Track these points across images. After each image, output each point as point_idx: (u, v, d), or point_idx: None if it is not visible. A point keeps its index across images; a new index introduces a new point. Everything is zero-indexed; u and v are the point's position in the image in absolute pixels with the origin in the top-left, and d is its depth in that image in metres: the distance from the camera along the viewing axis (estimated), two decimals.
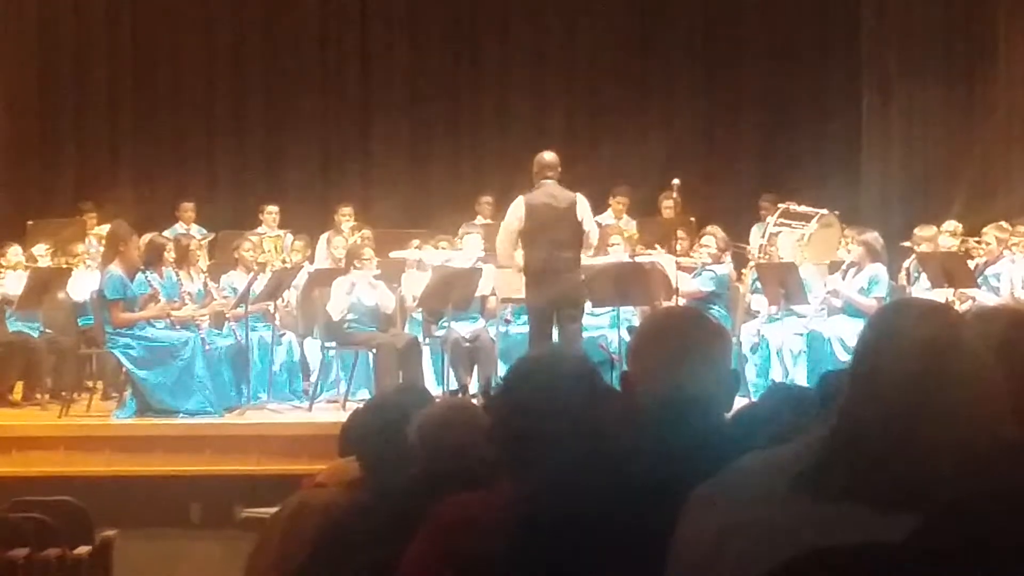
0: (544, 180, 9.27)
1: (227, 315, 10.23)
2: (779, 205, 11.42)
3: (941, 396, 1.82)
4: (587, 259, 10.05)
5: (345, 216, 12.66)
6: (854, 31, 14.37)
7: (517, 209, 9.26)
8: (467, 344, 10.18)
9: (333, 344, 10.19)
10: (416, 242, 11.51)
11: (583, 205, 9.36)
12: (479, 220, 12.36)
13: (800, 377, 9.55)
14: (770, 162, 14.72)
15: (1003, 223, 10.48)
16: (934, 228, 10.65)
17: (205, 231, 12.83)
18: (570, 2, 15.30)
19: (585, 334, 9.86)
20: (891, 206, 13.56)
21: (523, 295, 9.64)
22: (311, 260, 11.99)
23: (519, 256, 9.31)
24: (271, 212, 12.84)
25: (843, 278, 10.13)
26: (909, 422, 1.82)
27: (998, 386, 1.86)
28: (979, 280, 9.97)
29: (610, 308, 10.09)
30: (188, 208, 13.26)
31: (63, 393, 9.97)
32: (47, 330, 10.48)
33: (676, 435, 2.41)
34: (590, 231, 9.42)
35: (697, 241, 10.81)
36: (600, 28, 15.27)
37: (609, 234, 11.07)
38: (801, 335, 9.94)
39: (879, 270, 10.03)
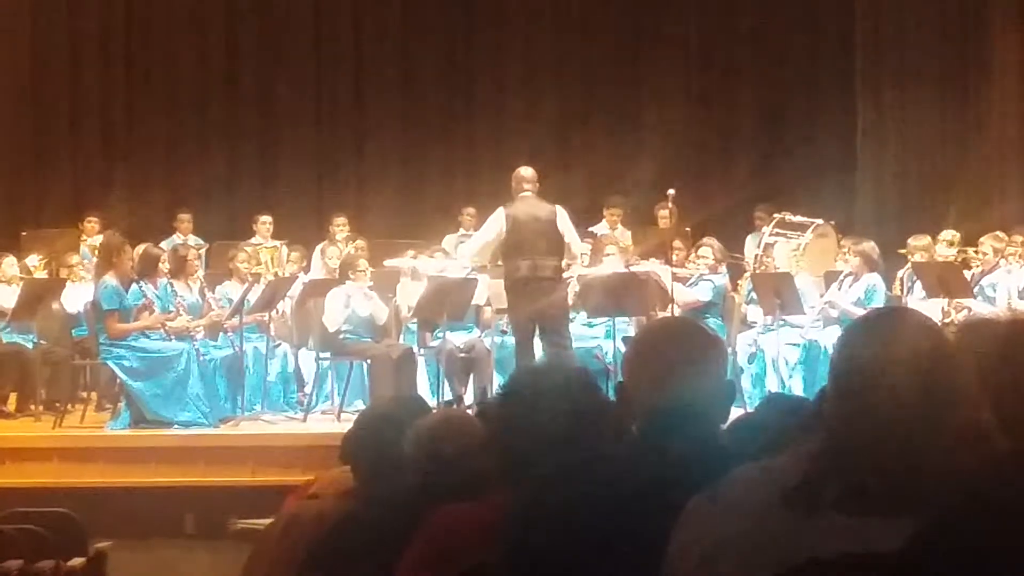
0: (523, 193, 9.38)
1: (223, 326, 10.22)
2: (774, 215, 11.42)
3: (925, 406, 1.82)
4: (582, 269, 10.07)
5: (339, 226, 12.64)
6: (848, 41, 14.38)
7: (498, 220, 9.32)
8: (462, 354, 10.17)
9: (328, 355, 10.17)
10: (411, 252, 11.50)
11: (563, 217, 9.42)
12: (461, 232, 12.39)
13: (796, 387, 9.54)
14: (765, 172, 14.71)
15: (999, 233, 10.49)
16: (928, 238, 10.64)
17: (202, 241, 12.81)
18: (563, 13, 15.31)
19: (581, 344, 9.85)
20: (886, 216, 13.56)
21: None
22: (306, 270, 11.97)
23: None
24: (265, 222, 12.81)
25: (839, 288, 10.13)
26: (894, 432, 1.82)
27: (984, 395, 1.86)
28: (975, 290, 9.97)
29: (605, 318, 10.07)
30: (185, 219, 13.21)
31: (57, 404, 9.95)
32: (41, 341, 10.46)
33: (671, 446, 2.40)
34: (571, 243, 9.47)
35: (693, 251, 10.81)
36: (594, 39, 15.27)
37: (604, 244, 11.07)
38: (797, 345, 9.94)
39: (876, 280, 10.03)
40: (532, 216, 9.27)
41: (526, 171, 9.52)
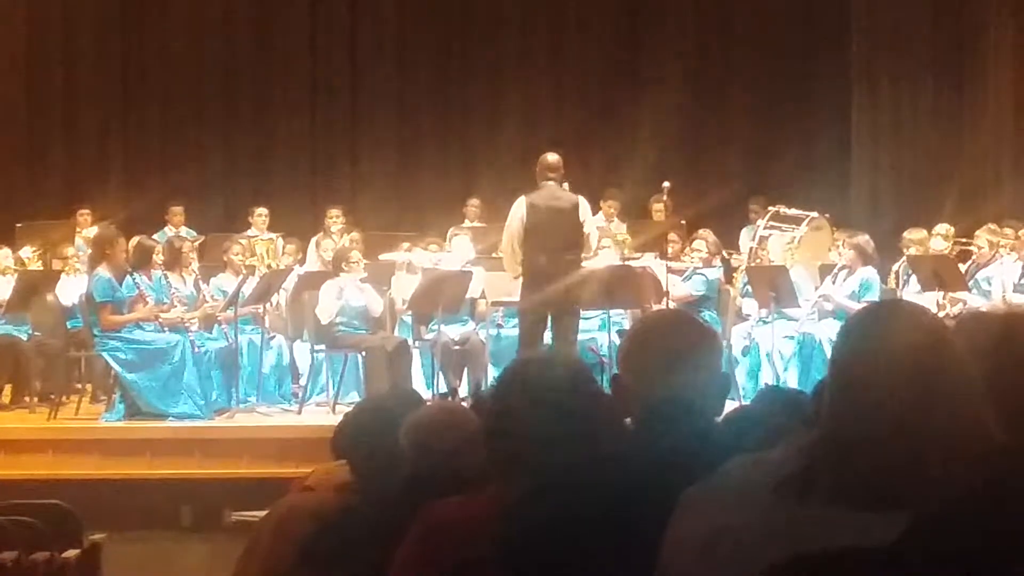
0: (546, 182, 9.26)
1: (218, 317, 10.22)
2: (769, 208, 11.43)
3: (924, 399, 1.82)
4: None
5: (334, 218, 12.64)
6: (844, 34, 14.38)
7: (519, 209, 9.22)
8: (457, 347, 10.17)
9: (322, 347, 10.17)
10: (406, 244, 11.50)
11: (585, 208, 9.35)
12: (466, 223, 12.36)
13: (791, 380, 9.55)
14: (760, 165, 14.73)
15: (993, 226, 10.49)
16: (924, 231, 10.65)
17: (195, 233, 12.81)
18: (559, 6, 15.31)
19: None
20: (881, 209, 13.58)
21: (514, 298, 9.62)
22: (302, 263, 11.97)
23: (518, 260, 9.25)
24: (261, 214, 12.82)
25: (834, 281, 10.14)
26: (893, 426, 1.81)
27: (982, 389, 1.86)
28: (970, 283, 9.98)
29: (600, 311, 10.07)
30: (177, 212, 13.26)
31: (52, 396, 9.94)
32: (36, 333, 10.44)
33: (666, 438, 2.40)
34: (589, 234, 9.41)
35: (688, 244, 10.81)
36: (589, 32, 15.27)
37: (600, 237, 11.06)
38: (792, 338, 9.94)
39: (871, 273, 10.04)
40: (552, 207, 9.18)
41: (551, 158, 9.34)
